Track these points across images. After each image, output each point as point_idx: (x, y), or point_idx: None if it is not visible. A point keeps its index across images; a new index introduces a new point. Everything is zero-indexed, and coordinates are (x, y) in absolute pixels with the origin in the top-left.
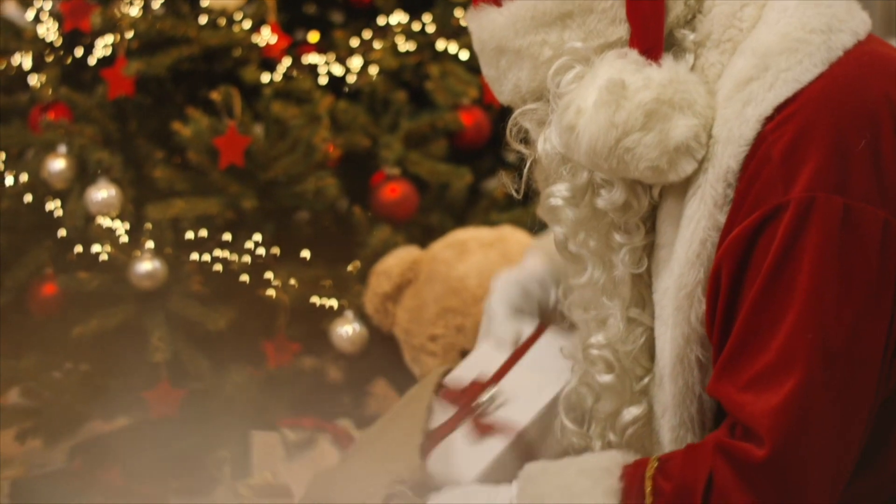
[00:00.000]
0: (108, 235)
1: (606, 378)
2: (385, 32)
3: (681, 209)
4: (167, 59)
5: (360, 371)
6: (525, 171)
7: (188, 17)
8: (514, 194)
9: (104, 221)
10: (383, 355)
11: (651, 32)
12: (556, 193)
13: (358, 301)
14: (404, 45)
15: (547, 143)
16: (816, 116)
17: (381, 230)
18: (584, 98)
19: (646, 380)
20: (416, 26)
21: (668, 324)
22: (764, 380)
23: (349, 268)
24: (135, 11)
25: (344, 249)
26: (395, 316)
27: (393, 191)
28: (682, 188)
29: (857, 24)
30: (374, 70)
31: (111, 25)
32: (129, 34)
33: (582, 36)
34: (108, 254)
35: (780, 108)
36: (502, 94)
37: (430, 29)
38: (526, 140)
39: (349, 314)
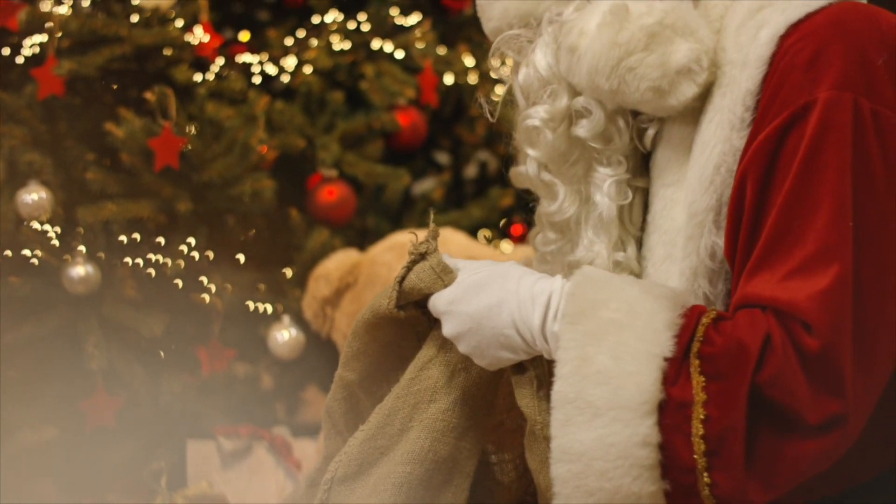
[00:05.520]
0: (40, 239)
1: None
2: (319, 31)
3: (688, 146)
4: (99, 59)
5: (292, 377)
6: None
7: (119, 15)
8: (490, 117)
9: (35, 225)
10: (316, 361)
11: None
12: (534, 115)
13: (295, 306)
14: (339, 45)
15: (529, 67)
16: (835, 34)
17: (318, 233)
18: (587, 21)
19: None
20: (350, 25)
21: (678, 257)
22: (806, 269)
23: (285, 272)
24: (64, 10)
25: (279, 253)
26: (335, 321)
27: (330, 193)
28: (688, 126)
29: None
30: (308, 70)
31: (39, 24)
32: (59, 33)
33: None
34: (40, 258)
35: (794, 27)
36: (490, 19)
37: (365, 28)
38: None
39: (286, 319)
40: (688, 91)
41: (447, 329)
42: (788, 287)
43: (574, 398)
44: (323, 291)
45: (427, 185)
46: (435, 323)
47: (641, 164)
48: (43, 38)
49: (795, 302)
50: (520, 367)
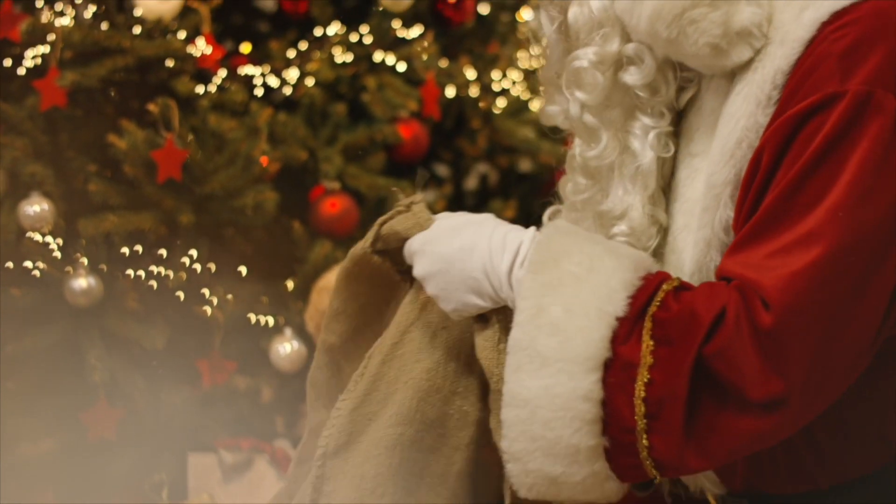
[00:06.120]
0: (41, 251)
1: None
2: (321, 43)
3: (718, 117)
4: (101, 70)
5: (293, 390)
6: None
7: (121, 27)
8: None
9: (36, 236)
10: None
11: None
12: (583, 56)
13: (297, 318)
14: (341, 57)
15: (583, 6)
16: (878, 26)
17: (320, 245)
18: None
19: None
20: (352, 37)
21: (694, 227)
22: (786, 251)
23: (287, 284)
24: (66, 21)
25: (281, 265)
26: None
27: (333, 206)
28: (720, 96)
29: None
30: (310, 82)
31: (41, 35)
32: (61, 44)
33: None
34: (41, 270)
35: (838, 15)
36: None
37: (367, 40)
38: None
39: (288, 331)
40: (744, 54)
41: (418, 269)
42: (764, 265)
43: (526, 346)
44: (325, 304)
45: (428, 198)
46: (414, 285)
47: (675, 126)
48: (45, 49)
49: (761, 279)
50: (483, 319)
